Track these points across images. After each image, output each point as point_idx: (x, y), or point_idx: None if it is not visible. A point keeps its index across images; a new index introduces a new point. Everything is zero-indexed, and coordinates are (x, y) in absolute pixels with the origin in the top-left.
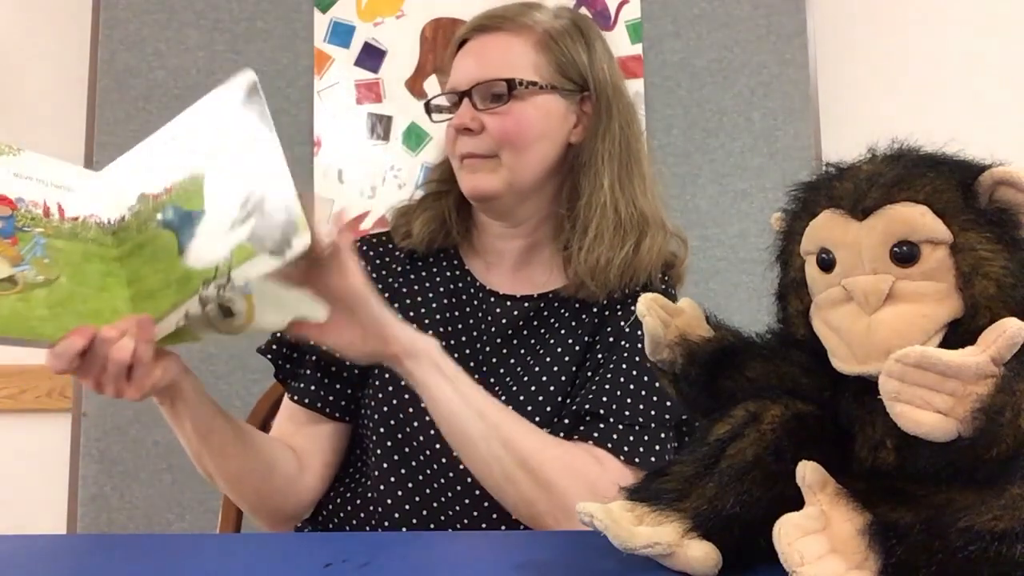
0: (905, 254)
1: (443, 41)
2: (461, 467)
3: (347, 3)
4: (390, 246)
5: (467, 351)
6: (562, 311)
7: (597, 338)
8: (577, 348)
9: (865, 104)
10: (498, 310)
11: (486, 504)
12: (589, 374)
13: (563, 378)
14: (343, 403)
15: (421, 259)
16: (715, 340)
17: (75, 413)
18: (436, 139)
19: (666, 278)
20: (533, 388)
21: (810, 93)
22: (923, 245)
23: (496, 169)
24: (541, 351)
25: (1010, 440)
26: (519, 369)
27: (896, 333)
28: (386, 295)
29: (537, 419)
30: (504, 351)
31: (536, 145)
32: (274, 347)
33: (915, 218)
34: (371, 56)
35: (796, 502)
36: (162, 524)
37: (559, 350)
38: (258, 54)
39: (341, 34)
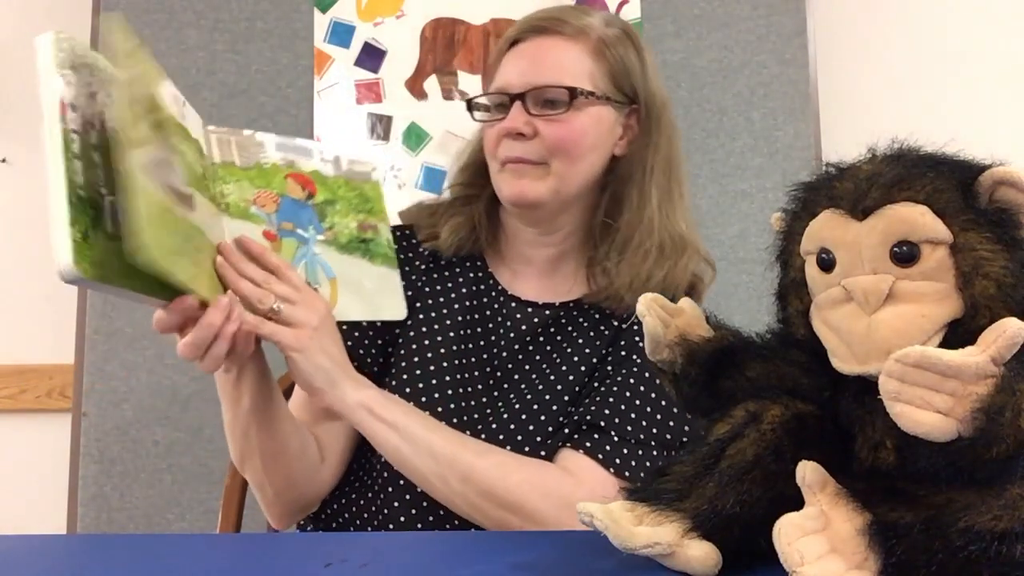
0: (905, 254)
1: (443, 41)
2: None
3: (347, 3)
4: (414, 241)
5: (484, 355)
6: (582, 321)
7: (611, 349)
8: (594, 360)
9: (865, 104)
10: (519, 316)
11: None
12: (596, 384)
13: (576, 388)
14: None
15: (445, 260)
16: (715, 340)
17: (75, 413)
18: (436, 139)
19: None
20: (547, 396)
21: (810, 93)
22: (923, 245)
23: (544, 177)
24: (557, 359)
25: (1010, 440)
26: (534, 376)
27: (896, 333)
28: (408, 292)
29: (549, 428)
30: (520, 357)
31: (587, 156)
32: None
33: (915, 218)
34: (371, 56)
35: (796, 502)
36: (162, 524)
37: (575, 359)
38: (258, 54)
39: (341, 34)
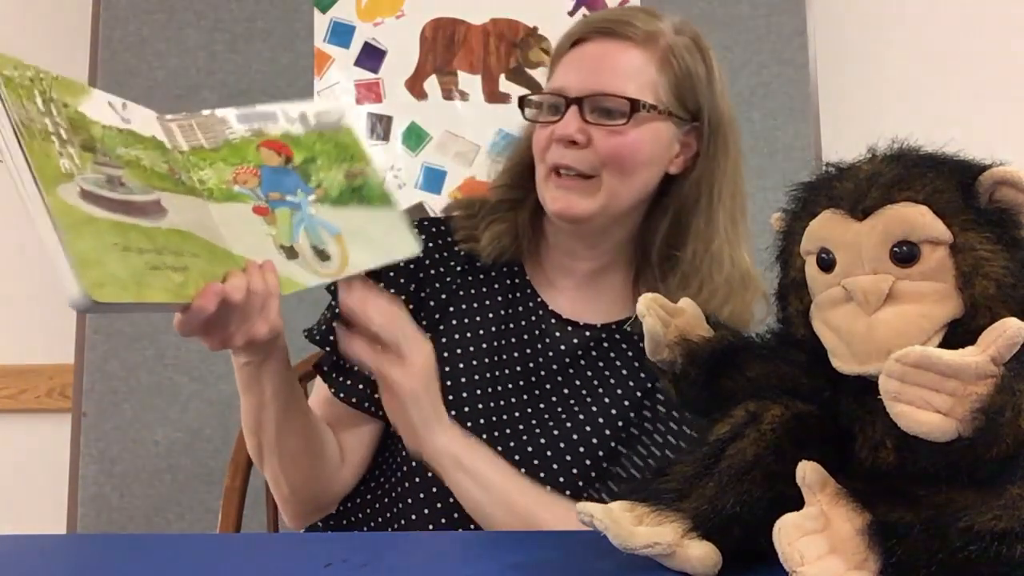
0: (905, 254)
1: (443, 41)
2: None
3: (347, 3)
4: (449, 239)
5: (518, 368)
6: (625, 347)
7: (655, 386)
8: (638, 393)
9: (865, 104)
10: (558, 334)
11: None
12: (648, 427)
13: (619, 423)
14: None
15: (481, 263)
16: (715, 340)
17: (75, 413)
18: (436, 139)
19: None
20: (587, 427)
21: (810, 93)
22: (923, 245)
23: (593, 191)
24: (598, 386)
25: (1010, 440)
26: (572, 401)
27: (896, 333)
28: (442, 295)
29: (587, 461)
30: (559, 379)
31: (641, 171)
32: (318, 337)
33: (915, 218)
34: (371, 56)
35: (796, 502)
36: (162, 524)
37: (618, 391)
38: (258, 54)
39: (341, 34)
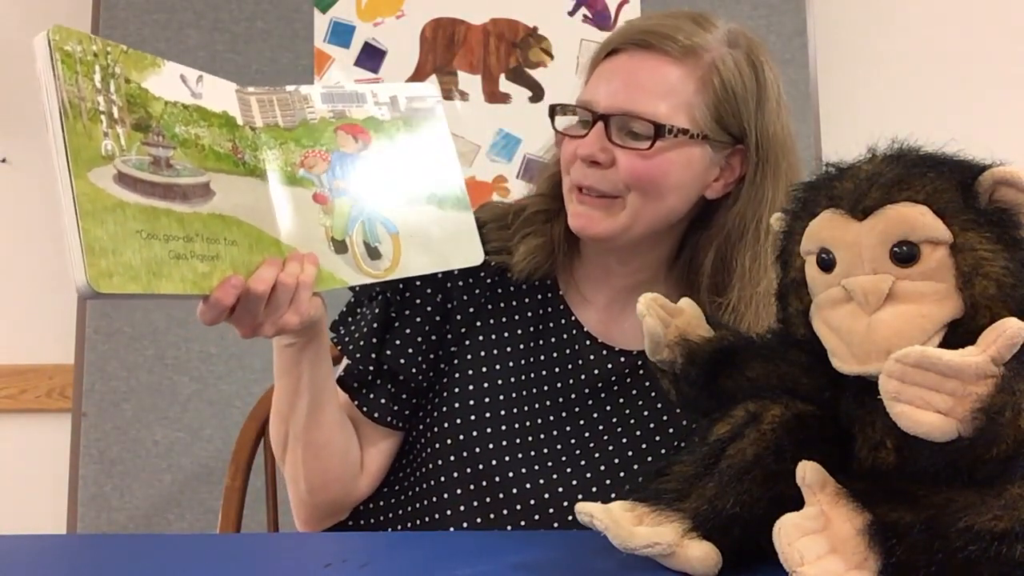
0: (905, 254)
1: (443, 41)
2: (529, 486)
3: (347, 3)
4: None
5: (546, 387)
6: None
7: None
8: (671, 430)
9: (865, 104)
10: (592, 357)
11: (555, 525)
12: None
13: (649, 458)
14: (407, 412)
15: (512, 274)
16: (715, 340)
17: (75, 413)
18: None
19: None
20: (615, 460)
21: (810, 93)
22: (923, 245)
23: (615, 211)
24: (630, 417)
25: (1010, 440)
26: (601, 427)
27: (896, 333)
28: (470, 308)
29: (613, 495)
30: (590, 403)
31: (668, 196)
32: (351, 347)
33: (915, 218)
34: (371, 56)
35: (796, 502)
36: (162, 524)
37: (651, 425)
38: (258, 54)
39: (341, 34)
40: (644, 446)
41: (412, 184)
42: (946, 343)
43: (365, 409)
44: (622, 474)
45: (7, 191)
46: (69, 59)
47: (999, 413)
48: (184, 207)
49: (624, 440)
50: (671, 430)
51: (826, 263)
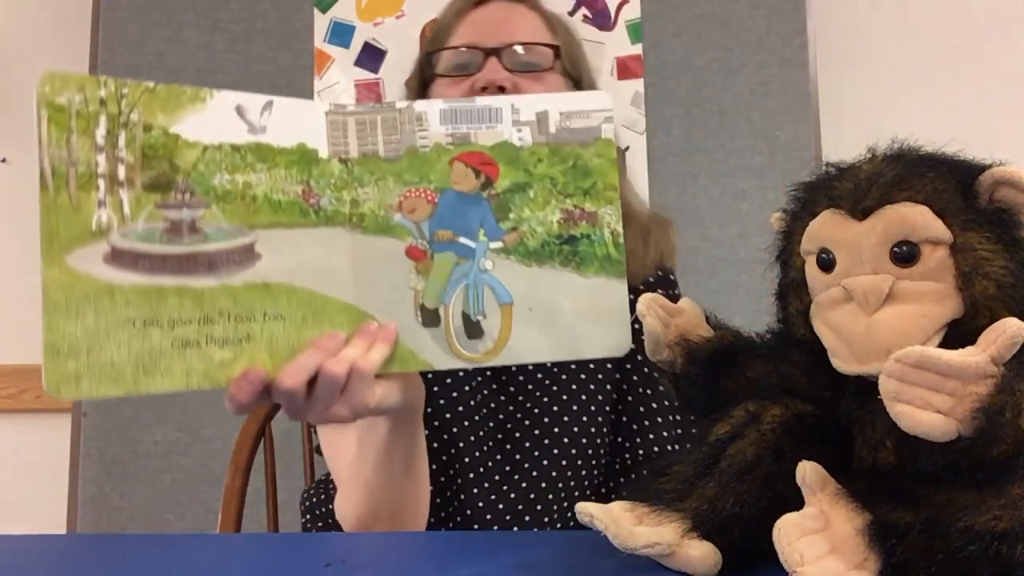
0: (905, 254)
1: None
2: (554, 473)
3: (347, 3)
4: None
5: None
6: None
7: (629, 366)
8: (615, 373)
9: (865, 104)
10: None
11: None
12: (640, 410)
13: (606, 407)
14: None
15: None
16: (715, 340)
17: (75, 413)
18: None
19: (669, 276)
20: (584, 417)
21: (810, 93)
22: (923, 245)
23: None
24: (569, 382)
25: (1010, 440)
26: (548, 400)
27: (896, 333)
28: None
29: (589, 451)
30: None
31: None
32: None
33: (915, 218)
34: (371, 56)
35: (796, 502)
36: (162, 524)
37: (599, 376)
38: (258, 54)
39: (341, 34)
40: (600, 398)
41: (544, 236)
42: (946, 343)
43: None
44: (599, 441)
45: (7, 191)
46: (60, 114)
47: (999, 413)
48: (207, 280)
49: (575, 407)
50: (617, 374)
51: (826, 263)
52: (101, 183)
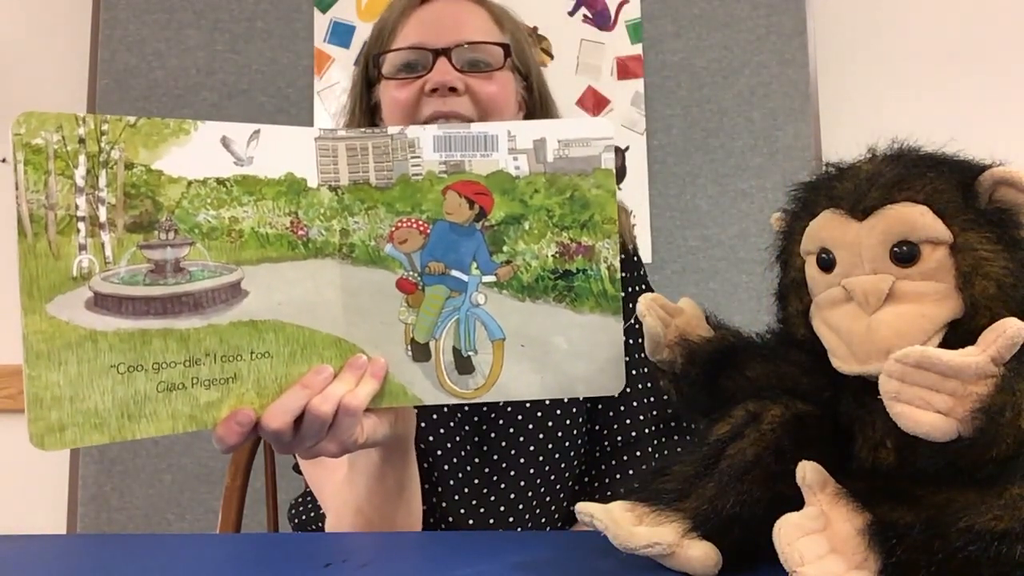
0: (905, 254)
1: None
2: (534, 476)
3: (347, 3)
4: None
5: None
6: None
7: None
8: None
9: (865, 104)
10: None
11: (552, 508)
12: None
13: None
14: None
15: None
16: (715, 340)
17: None
18: None
19: (634, 257)
20: (550, 422)
21: (810, 93)
22: (923, 245)
23: None
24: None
25: (1010, 440)
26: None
27: (896, 333)
28: None
29: (567, 442)
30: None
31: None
32: None
33: (915, 218)
34: None
35: (796, 502)
36: (162, 524)
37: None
38: (258, 54)
39: (341, 34)
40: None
41: (539, 270)
42: (946, 343)
43: None
44: (576, 433)
45: (7, 191)
46: (37, 156)
47: (999, 413)
48: (192, 320)
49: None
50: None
51: (826, 263)
52: (81, 226)
